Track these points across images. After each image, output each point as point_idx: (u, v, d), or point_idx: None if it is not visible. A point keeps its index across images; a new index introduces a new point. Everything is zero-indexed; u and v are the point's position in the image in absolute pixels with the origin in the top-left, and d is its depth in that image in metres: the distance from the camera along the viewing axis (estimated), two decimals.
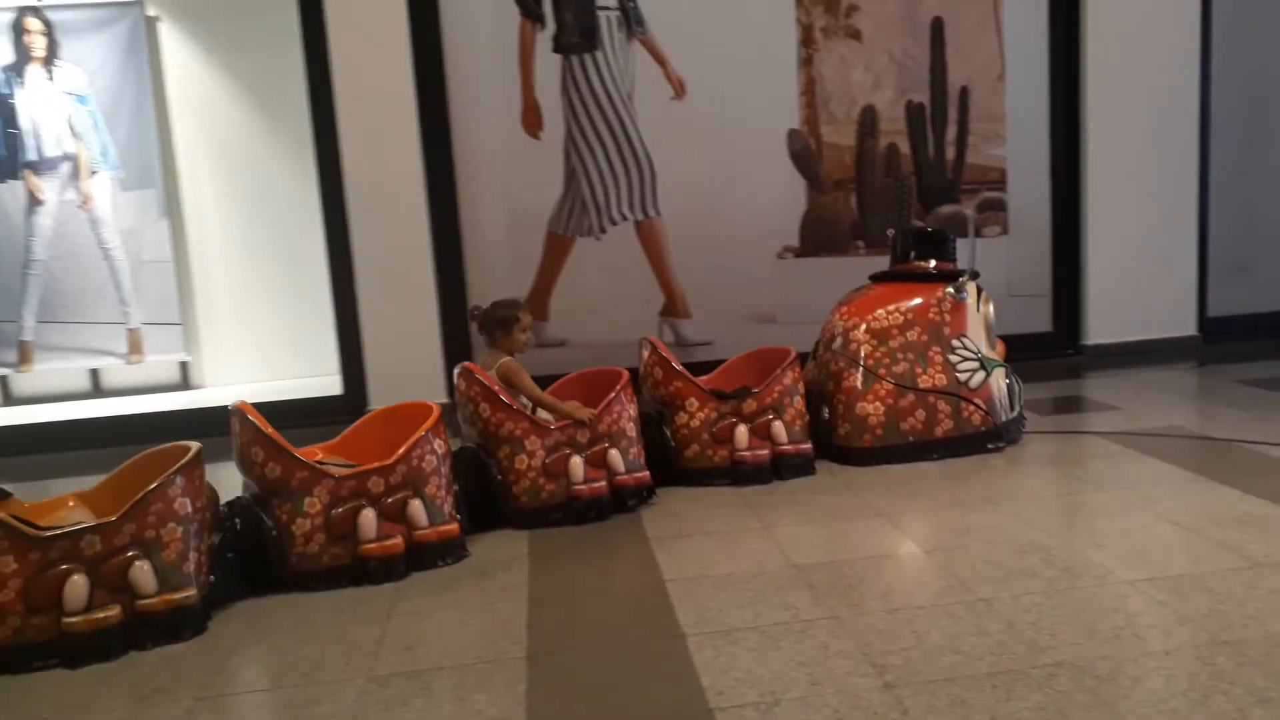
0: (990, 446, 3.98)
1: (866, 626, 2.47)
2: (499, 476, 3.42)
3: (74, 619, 2.51)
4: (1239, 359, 5.33)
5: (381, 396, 4.63)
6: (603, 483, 3.48)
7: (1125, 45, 5.15)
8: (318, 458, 3.11)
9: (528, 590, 2.88)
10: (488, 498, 3.41)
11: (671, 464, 3.79)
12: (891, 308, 4.07)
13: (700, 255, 5.20)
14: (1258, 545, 2.82)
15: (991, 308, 4.21)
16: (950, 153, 5.30)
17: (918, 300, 4.08)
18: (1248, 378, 4.91)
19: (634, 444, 3.60)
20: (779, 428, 3.82)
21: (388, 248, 4.82)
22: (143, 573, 2.59)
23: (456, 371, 3.46)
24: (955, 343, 4.05)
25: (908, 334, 4.03)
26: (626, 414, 3.59)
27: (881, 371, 3.98)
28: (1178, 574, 2.65)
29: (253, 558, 2.95)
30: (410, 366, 4.84)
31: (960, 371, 4.01)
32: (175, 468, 2.68)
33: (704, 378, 3.97)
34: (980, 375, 4.01)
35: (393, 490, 3.04)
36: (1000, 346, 4.28)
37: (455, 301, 5.00)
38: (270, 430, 2.97)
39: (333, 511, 2.96)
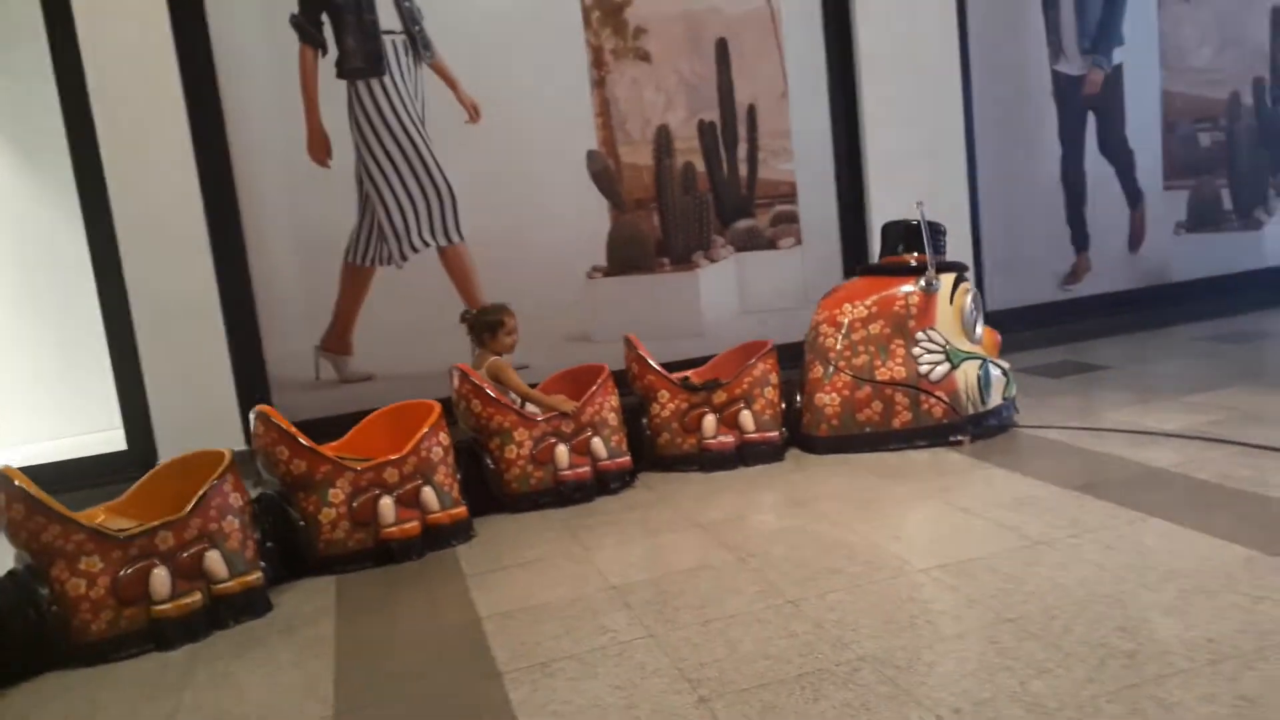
0: (951, 440, 4.02)
1: (682, 641, 2.49)
2: (491, 463, 3.76)
3: (165, 606, 2.82)
4: (1013, 349, 5.78)
5: (171, 448, 4.30)
6: (587, 468, 3.82)
7: (894, 62, 5.49)
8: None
9: (334, 643, 2.74)
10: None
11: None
12: (860, 302, 4.15)
13: (509, 278, 5.14)
14: (1034, 525, 3.04)
15: (969, 300, 4.17)
16: (743, 169, 5.49)
17: (885, 293, 4.13)
18: (1022, 365, 5.31)
19: (615, 432, 3.95)
20: (709, 421, 4.03)
21: (168, 291, 4.48)
22: (215, 560, 2.94)
23: (451, 372, 3.73)
24: (920, 335, 4.07)
25: (870, 327, 4.10)
26: (608, 405, 3.94)
27: (841, 364, 4.10)
28: (967, 558, 2.82)
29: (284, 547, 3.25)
30: (202, 414, 4.52)
31: (922, 364, 4.03)
32: (224, 467, 3.04)
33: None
34: (943, 368, 4.03)
35: (406, 480, 3.38)
36: (989, 337, 4.31)
37: (247, 342, 4.71)
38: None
39: (354, 501, 3.29)
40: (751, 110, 5.46)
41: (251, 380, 4.70)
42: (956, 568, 2.76)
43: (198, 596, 2.89)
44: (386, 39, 4.86)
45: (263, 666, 2.65)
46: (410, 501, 3.39)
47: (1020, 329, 5.81)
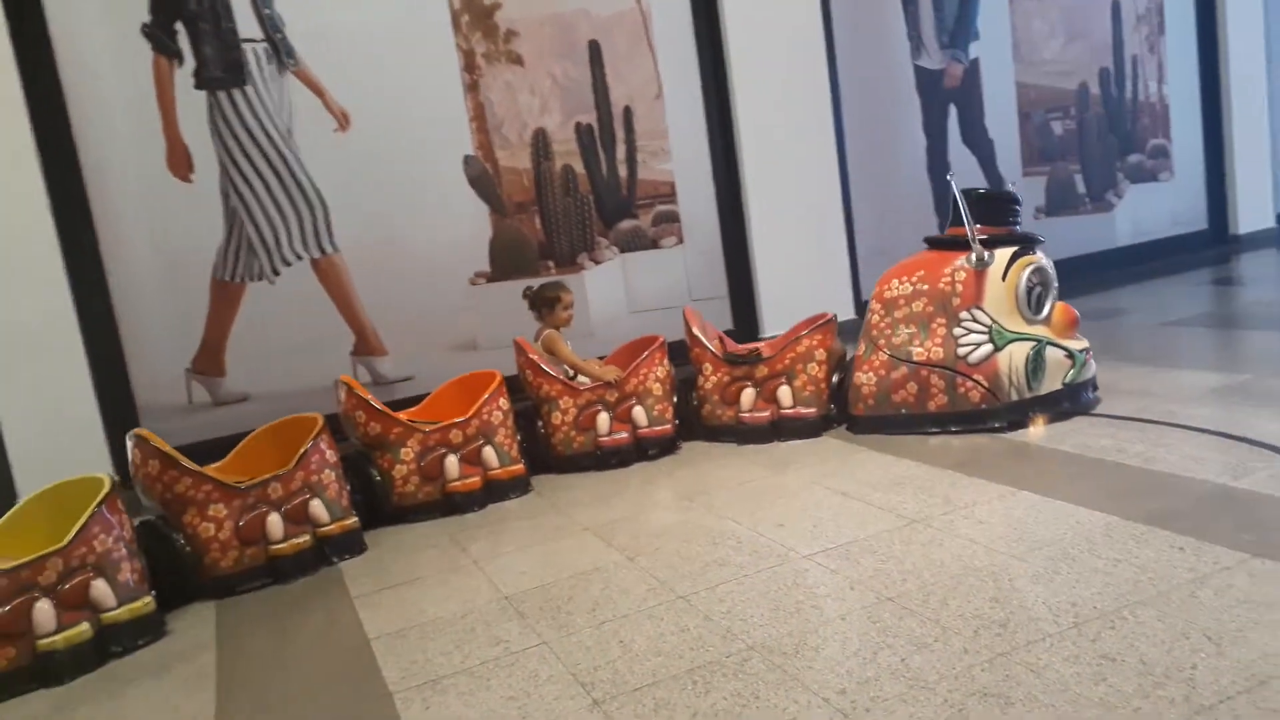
0: (986, 425, 3.79)
1: (575, 646, 2.48)
2: (542, 426, 4.11)
3: (281, 546, 3.27)
4: None
5: (32, 480, 4.04)
6: (626, 434, 4.08)
7: (763, 60, 5.60)
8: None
9: (215, 677, 2.63)
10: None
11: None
12: (907, 278, 3.99)
13: (389, 288, 5.04)
14: (910, 504, 3.15)
15: (1026, 276, 3.85)
16: (623, 170, 5.51)
17: (933, 269, 3.94)
18: None
19: (660, 401, 4.14)
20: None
21: (20, 319, 4.21)
22: (318, 507, 3.37)
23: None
24: (964, 314, 3.86)
25: (914, 304, 3.94)
26: (654, 375, 4.15)
27: (881, 342, 4.00)
28: (847, 541, 2.90)
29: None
30: (63, 442, 4.27)
31: (962, 345, 3.82)
32: (318, 429, 3.46)
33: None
34: (985, 350, 3.79)
35: (470, 440, 3.80)
36: (1062, 315, 3.97)
37: (111, 369, 4.48)
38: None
39: (423, 459, 3.72)
40: (628, 111, 5.49)
41: (119, 408, 4.47)
42: (838, 551, 2.83)
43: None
44: (247, 47, 4.69)
45: (135, 710, 2.52)
46: (473, 460, 3.80)
47: None
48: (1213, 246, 7.45)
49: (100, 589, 2.84)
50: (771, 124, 5.65)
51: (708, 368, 4.26)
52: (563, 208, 5.39)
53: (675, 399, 4.24)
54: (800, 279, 5.83)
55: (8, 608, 2.67)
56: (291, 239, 4.84)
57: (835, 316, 4.24)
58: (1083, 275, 6.78)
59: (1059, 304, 4.00)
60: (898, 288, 4.01)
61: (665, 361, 4.22)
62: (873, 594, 2.52)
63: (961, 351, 3.83)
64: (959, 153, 6.52)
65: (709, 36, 5.58)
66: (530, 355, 4.06)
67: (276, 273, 4.82)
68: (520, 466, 3.91)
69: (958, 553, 2.70)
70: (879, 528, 2.97)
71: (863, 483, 3.44)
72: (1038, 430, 3.75)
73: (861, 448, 3.89)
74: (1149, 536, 2.62)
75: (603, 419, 4.07)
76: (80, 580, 2.81)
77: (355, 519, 3.49)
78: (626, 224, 5.56)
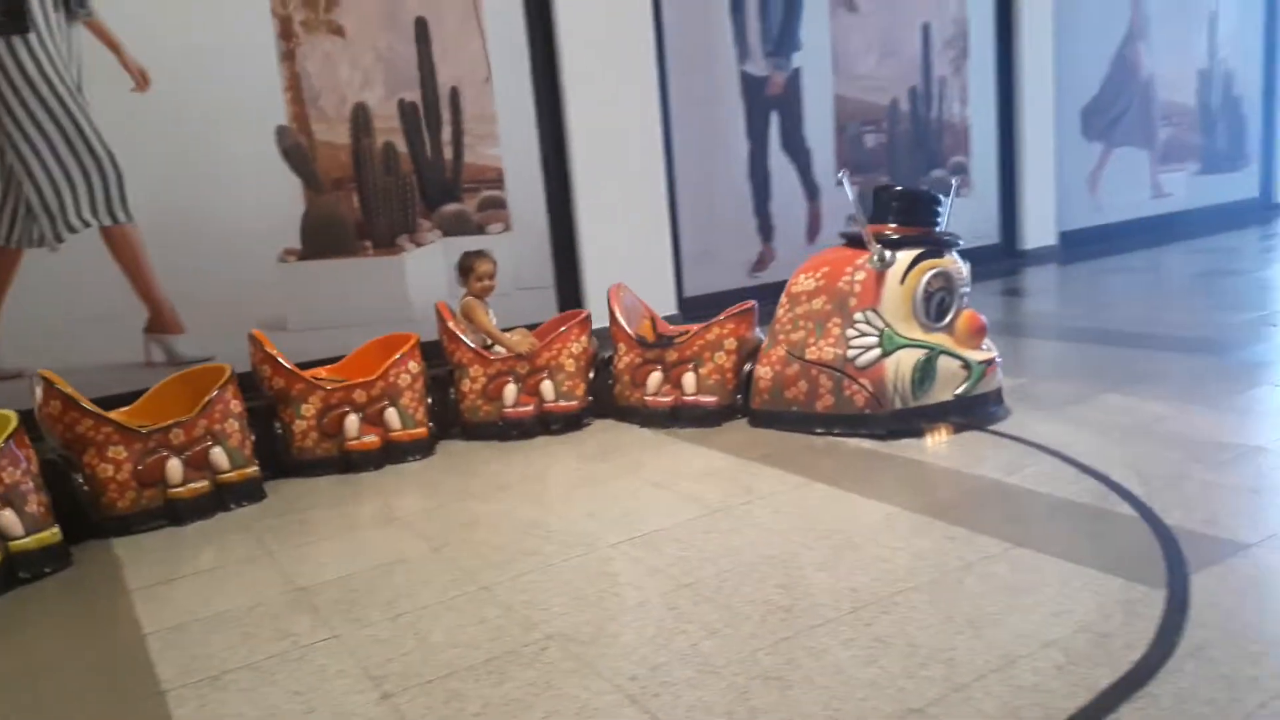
0: (869, 431, 3.68)
1: (368, 639, 2.41)
2: (454, 394, 4.17)
3: (179, 490, 3.39)
4: None
5: None
6: (531, 407, 4.12)
7: (594, 54, 5.63)
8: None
9: None
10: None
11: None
12: (812, 274, 3.89)
13: (189, 262, 4.74)
14: (715, 493, 3.24)
15: (926, 280, 3.69)
16: (448, 152, 5.40)
17: (836, 267, 3.83)
18: None
19: (571, 377, 4.16)
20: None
21: None
22: (219, 455, 3.48)
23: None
24: (859, 316, 3.73)
25: (814, 301, 3.84)
26: (568, 350, 4.16)
27: (781, 337, 3.94)
28: (652, 530, 2.96)
29: None
30: None
31: (852, 347, 3.72)
32: (225, 378, 3.55)
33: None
34: (873, 354, 3.67)
35: (374, 400, 3.87)
36: (966, 324, 3.76)
37: None
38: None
39: (324, 416, 3.81)
40: (455, 93, 5.38)
41: None
42: (643, 540, 2.88)
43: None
44: None
45: None
46: (375, 420, 3.88)
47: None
48: (1003, 260, 8.06)
49: (8, 518, 2.98)
50: (601, 117, 5.68)
51: (621, 348, 4.27)
52: (383, 187, 5.22)
53: (592, 375, 4.28)
54: (625, 273, 5.84)
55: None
56: (79, 204, 4.47)
57: (755, 306, 4.24)
58: None
59: (966, 312, 3.81)
60: (803, 283, 3.93)
61: (584, 338, 4.23)
62: (671, 581, 2.58)
63: (851, 354, 3.72)
64: (779, 160, 6.77)
65: (541, 27, 5.55)
66: (447, 322, 4.12)
67: (60, 239, 4.44)
68: (423, 430, 3.95)
69: (753, 540, 2.80)
70: (684, 516, 3.05)
71: (675, 473, 3.52)
72: (936, 442, 3.63)
73: (678, 440, 3.97)
74: (926, 527, 2.81)
75: (510, 390, 4.10)
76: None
77: (256, 468, 3.60)
78: (451, 207, 5.45)
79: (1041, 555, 2.55)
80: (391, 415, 3.89)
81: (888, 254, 3.71)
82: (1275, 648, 2.02)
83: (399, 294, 5.30)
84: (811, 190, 6.94)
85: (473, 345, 4.12)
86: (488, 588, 2.65)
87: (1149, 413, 3.76)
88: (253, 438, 3.63)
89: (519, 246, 5.68)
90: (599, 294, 5.77)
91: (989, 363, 3.77)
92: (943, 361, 3.68)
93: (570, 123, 5.62)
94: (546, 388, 4.14)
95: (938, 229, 3.90)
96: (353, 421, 3.82)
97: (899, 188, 4.00)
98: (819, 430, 3.80)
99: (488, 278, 4.27)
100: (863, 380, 3.69)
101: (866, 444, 3.68)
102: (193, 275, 4.75)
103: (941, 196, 3.96)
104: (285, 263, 5.01)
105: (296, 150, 4.97)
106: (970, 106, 7.77)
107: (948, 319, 3.77)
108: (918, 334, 3.71)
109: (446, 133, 5.39)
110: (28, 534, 3.00)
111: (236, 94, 4.78)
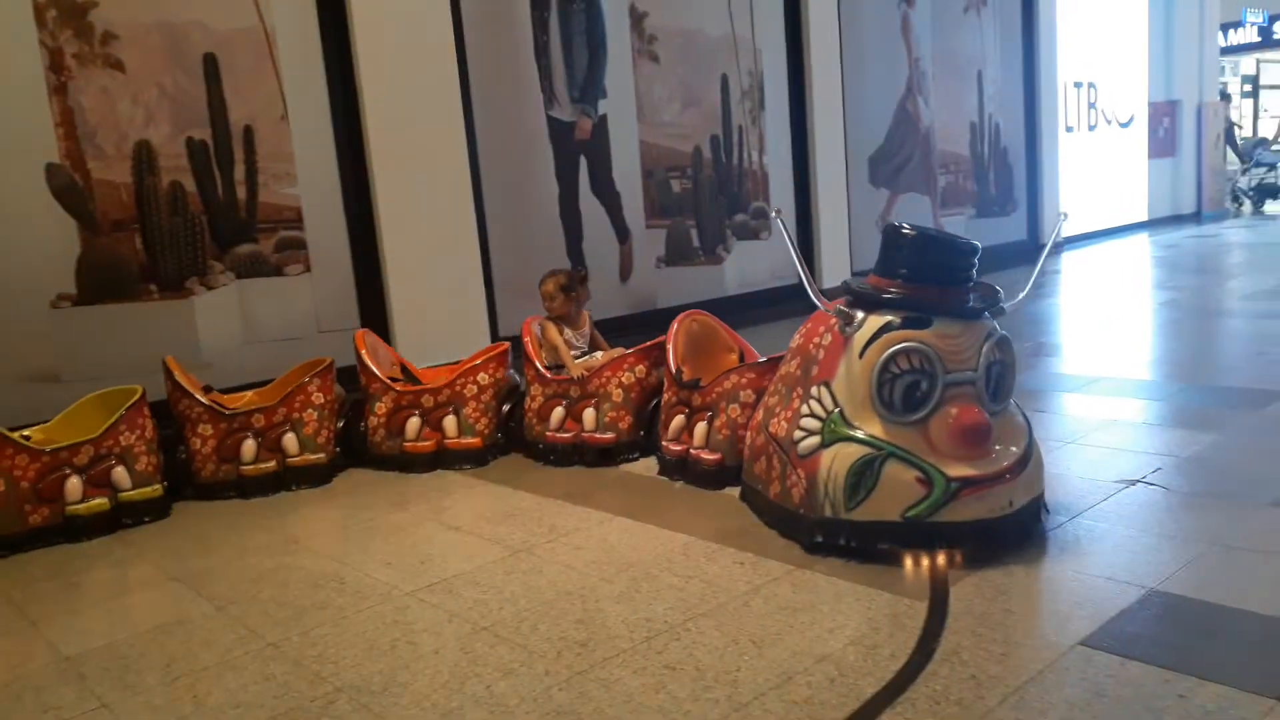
0: (798, 538, 2.91)
1: (141, 706, 2.27)
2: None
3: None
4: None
5: None
6: (570, 434, 4.03)
7: (397, 87, 5.55)
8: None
9: None
10: None
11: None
12: (803, 328, 3.22)
13: None
14: (518, 534, 3.25)
15: (886, 358, 2.76)
16: (241, 191, 5.19)
17: (816, 324, 3.13)
18: None
19: (616, 408, 4.01)
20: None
21: None
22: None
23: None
24: (814, 389, 2.92)
25: (791, 363, 3.17)
26: (617, 380, 4.03)
27: (765, 400, 3.28)
28: (452, 575, 2.93)
29: None
30: None
31: (799, 428, 2.91)
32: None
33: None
34: (812, 441, 2.85)
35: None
36: (945, 424, 2.72)
37: None
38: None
39: (393, 415, 4.12)
40: (249, 131, 5.19)
41: None
42: (442, 585, 2.85)
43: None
44: None
45: None
46: (435, 425, 4.14)
47: None
48: (804, 298, 8.50)
49: (119, 473, 3.65)
50: (406, 156, 5.62)
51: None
52: (169, 228, 4.95)
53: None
54: (437, 312, 5.83)
55: (47, 480, 3.50)
56: None
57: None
58: None
59: (955, 407, 2.72)
60: (795, 339, 3.23)
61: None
62: (469, 625, 2.56)
63: (796, 435, 2.91)
64: (589, 202, 6.91)
65: (339, 66, 5.45)
66: (524, 341, 4.28)
67: None
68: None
69: (553, 578, 2.83)
70: (485, 559, 3.03)
71: (478, 515, 3.49)
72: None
73: (482, 480, 3.95)
74: (718, 554, 2.92)
75: (557, 414, 4.09)
76: (105, 465, 3.64)
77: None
78: (245, 248, 5.23)
79: (820, 575, 2.70)
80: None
81: (858, 315, 2.85)
82: (1016, 648, 2.23)
83: (189, 339, 5.02)
84: (622, 233, 7.11)
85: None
86: (275, 644, 2.54)
87: None
88: None
89: (320, 288, 5.51)
90: (409, 336, 5.69)
91: (967, 483, 2.68)
92: (890, 468, 2.72)
93: (373, 162, 5.53)
94: (587, 415, 4.04)
95: (966, 287, 2.87)
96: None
97: (907, 229, 2.90)
98: (767, 520, 3.10)
99: (548, 299, 4.33)
100: (800, 471, 2.89)
101: (663, 478, 3.78)
102: None
103: (974, 246, 2.91)
104: (58, 309, 4.65)
105: (71, 189, 4.65)
106: (768, 155, 8.20)
107: (921, 413, 2.74)
108: (872, 426, 2.78)
109: (239, 171, 5.18)
110: (134, 488, 3.66)
111: (2, 129, 4.43)
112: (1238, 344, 5.69)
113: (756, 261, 8.10)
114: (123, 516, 3.65)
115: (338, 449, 4.18)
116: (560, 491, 3.68)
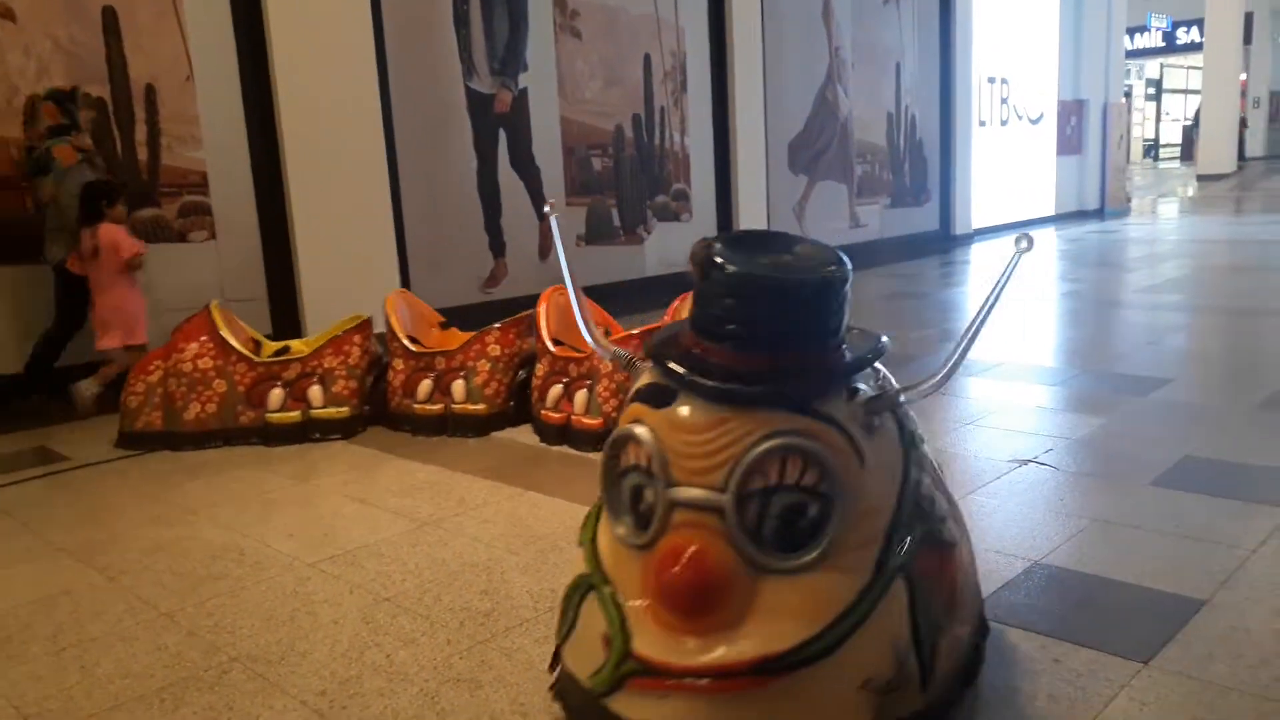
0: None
1: (25, 675, 2.19)
2: None
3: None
4: None
5: None
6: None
7: (310, 52, 5.41)
8: None
9: None
10: None
11: None
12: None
13: None
14: (426, 507, 3.22)
15: (609, 445, 1.79)
16: (143, 153, 5.00)
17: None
18: None
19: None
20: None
21: None
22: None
23: None
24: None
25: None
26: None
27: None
28: (355, 547, 2.89)
29: None
30: None
31: None
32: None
33: None
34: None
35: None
36: (649, 574, 1.66)
37: None
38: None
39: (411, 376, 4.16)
40: (150, 90, 5.00)
41: None
42: (344, 557, 2.81)
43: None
44: None
45: None
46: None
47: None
48: None
49: (314, 391, 4.04)
50: (317, 122, 5.48)
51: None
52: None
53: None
54: (347, 281, 5.70)
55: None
56: None
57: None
58: (618, 299, 7.43)
59: (670, 547, 1.63)
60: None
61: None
62: (371, 596, 2.54)
63: None
64: (508, 176, 6.84)
65: (249, 27, 5.28)
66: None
67: None
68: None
69: (460, 551, 2.81)
70: (391, 532, 3.00)
71: (384, 489, 3.45)
72: None
73: (390, 455, 3.89)
74: None
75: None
76: (305, 381, 4.03)
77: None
78: (147, 212, 5.04)
79: None
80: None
81: (639, 362, 1.96)
82: None
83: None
84: (542, 209, 7.06)
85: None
86: (169, 614, 2.48)
87: None
88: None
89: (226, 256, 5.36)
90: (317, 305, 5.56)
91: (643, 668, 1.62)
92: (589, 607, 1.77)
93: (284, 128, 5.37)
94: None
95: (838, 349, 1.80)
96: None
97: (733, 268, 1.78)
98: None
99: None
100: None
101: (573, 452, 3.79)
102: None
103: (843, 294, 1.82)
104: None
105: None
106: (689, 136, 8.23)
107: (647, 535, 1.69)
108: (604, 538, 1.82)
109: (141, 132, 4.99)
110: (325, 406, 4.02)
111: None
112: (1132, 333, 5.95)
113: (678, 243, 8.14)
114: (312, 431, 4.05)
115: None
116: (471, 466, 3.66)
